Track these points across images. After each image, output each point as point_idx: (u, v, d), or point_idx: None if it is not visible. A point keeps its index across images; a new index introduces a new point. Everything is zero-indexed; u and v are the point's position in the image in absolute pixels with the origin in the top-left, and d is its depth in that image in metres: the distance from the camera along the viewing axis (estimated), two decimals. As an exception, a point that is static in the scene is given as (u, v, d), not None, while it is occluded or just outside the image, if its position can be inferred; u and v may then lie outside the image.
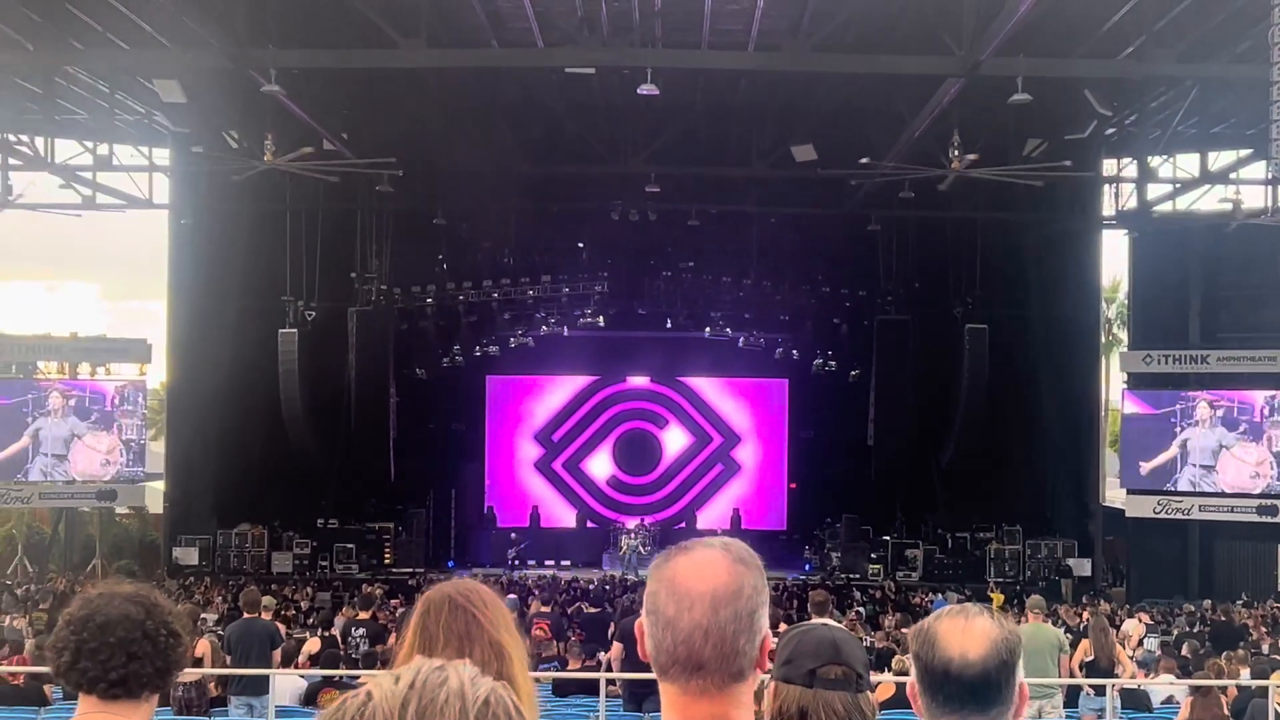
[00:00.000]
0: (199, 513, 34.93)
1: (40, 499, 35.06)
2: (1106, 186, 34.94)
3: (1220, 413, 32.98)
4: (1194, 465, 33.03)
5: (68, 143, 31.79)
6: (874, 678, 13.60)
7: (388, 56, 22.69)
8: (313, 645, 16.20)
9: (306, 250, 31.82)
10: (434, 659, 1.70)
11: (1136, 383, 34.59)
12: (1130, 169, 34.59)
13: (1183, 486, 33.04)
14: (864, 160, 25.63)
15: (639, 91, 22.04)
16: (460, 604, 3.31)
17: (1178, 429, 33.25)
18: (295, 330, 31.59)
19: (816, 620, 3.95)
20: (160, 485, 36.66)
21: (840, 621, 21.20)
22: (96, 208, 33.60)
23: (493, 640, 3.27)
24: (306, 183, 28.85)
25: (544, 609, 22.64)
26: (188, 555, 34.16)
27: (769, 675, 3.62)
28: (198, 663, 14.44)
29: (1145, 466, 33.51)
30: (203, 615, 21.87)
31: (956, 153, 24.49)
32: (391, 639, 15.82)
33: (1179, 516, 33.15)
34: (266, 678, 13.90)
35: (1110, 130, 30.44)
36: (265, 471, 34.93)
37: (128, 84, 28.53)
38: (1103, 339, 41.03)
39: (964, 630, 2.99)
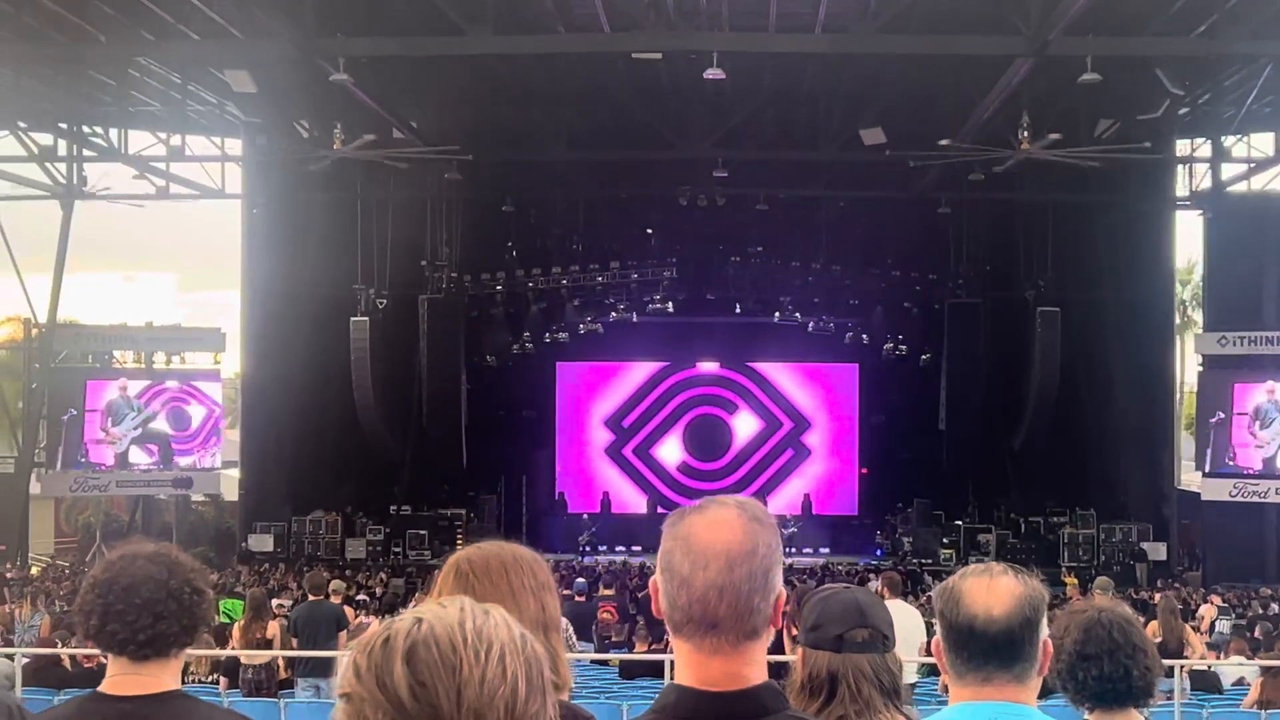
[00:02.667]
0: (273, 500, 35.23)
1: (117, 487, 35.51)
2: (1180, 167, 34.55)
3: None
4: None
5: (141, 134, 32.18)
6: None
7: (455, 44, 22.78)
8: (373, 629, 16.31)
9: (377, 238, 32.04)
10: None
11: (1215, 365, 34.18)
12: (1204, 149, 34.18)
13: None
14: (943, 142, 25.42)
15: (706, 76, 22.04)
16: (464, 571, 3.32)
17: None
18: (367, 318, 31.79)
19: (839, 585, 3.94)
20: (236, 473, 37.05)
21: (914, 605, 21.13)
22: (170, 198, 34.03)
23: (516, 601, 3.29)
24: (376, 171, 29.06)
25: (607, 592, 22.75)
26: (263, 542, 34.46)
27: (796, 641, 3.64)
28: (268, 645, 14.62)
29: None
30: (277, 600, 22.07)
31: (1026, 134, 24.31)
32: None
33: (1255, 500, 32.74)
34: (333, 660, 14.03)
35: (1183, 110, 30.08)
36: (338, 459, 35.21)
37: (199, 75, 28.80)
38: (1177, 320, 40.59)
39: (988, 588, 3.00)
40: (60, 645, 15.46)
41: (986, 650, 2.96)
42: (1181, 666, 14.12)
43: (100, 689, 3.59)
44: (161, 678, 3.56)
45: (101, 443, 34.30)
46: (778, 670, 2.76)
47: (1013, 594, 2.97)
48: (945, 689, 11.21)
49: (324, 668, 14.15)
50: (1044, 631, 3.03)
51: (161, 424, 34.83)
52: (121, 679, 3.56)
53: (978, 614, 2.96)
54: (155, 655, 3.54)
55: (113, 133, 31.18)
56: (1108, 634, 3.89)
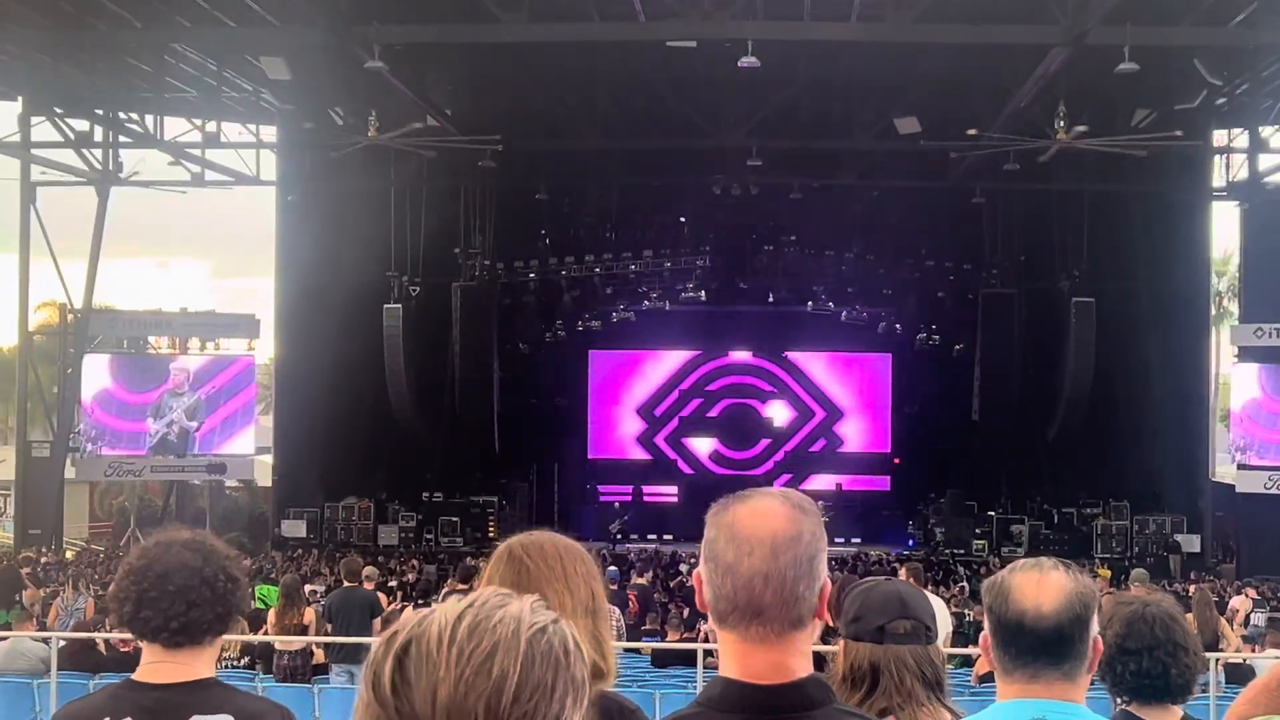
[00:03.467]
0: (306, 486, 35.34)
1: (152, 472, 35.67)
2: (1217, 157, 34.32)
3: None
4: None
5: (176, 120, 32.26)
6: (974, 650, 13.54)
7: (489, 31, 22.78)
8: (408, 615, 16.37)
9: (411, 226, 32.07)
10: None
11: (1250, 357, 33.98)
12: (1241, 139, 33.97)
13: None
14: (971, 132, 25.35)
15: (740, 65, 21.98)
16: (518, 555, 3.33)
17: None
18: (400, 305, 31.85)
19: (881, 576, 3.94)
20: (269, 459, 37.18)
21: (945, 596, 21.10)
22: (205, 184, 34.12)
23: (542, 594, 3.29)
24: (410, 159, 29.07)
25: (640, 580, 22.78)
26: (295, 528, 34.57)
27: (838, 633, 3.63)
28: (303, 631, 14.67)
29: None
30: (310, 586, 22.15)
31: (1062, 124, 24.18)
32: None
33: (1291, 492, 32.57)
34: (367, 646, 14.06)
35: (1221, 100, 29.92)
36: (371, 445, 35.29)
37: (235, 61, 28.86)
38: (1212, 311, 40.34)
39: (1038, 583, 2.97)
40: (97, 629, 15.54)
41: (1035, 647, 2.94)
42: (1217, 660, 14.05)
43: (134, 676, 3.60)
44: (195, 665, 3.57)
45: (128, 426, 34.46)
46: (818, 662, 2.74)
47: (1063, 590, 2.94)
48: (979, 680, 11.14)
49: (358, 654, 14.18)
50: (1094, 628, 3.00)
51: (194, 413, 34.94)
52: (155, 666, 3.56)
53: (1027, 610, 2.94)
54: (189, 642, 3.55)
55: (148, 119, 31.26)
56: (1150, 630, 3.88)
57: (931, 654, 3.52)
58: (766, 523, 2.50)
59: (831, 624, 2.57)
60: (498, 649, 1.62)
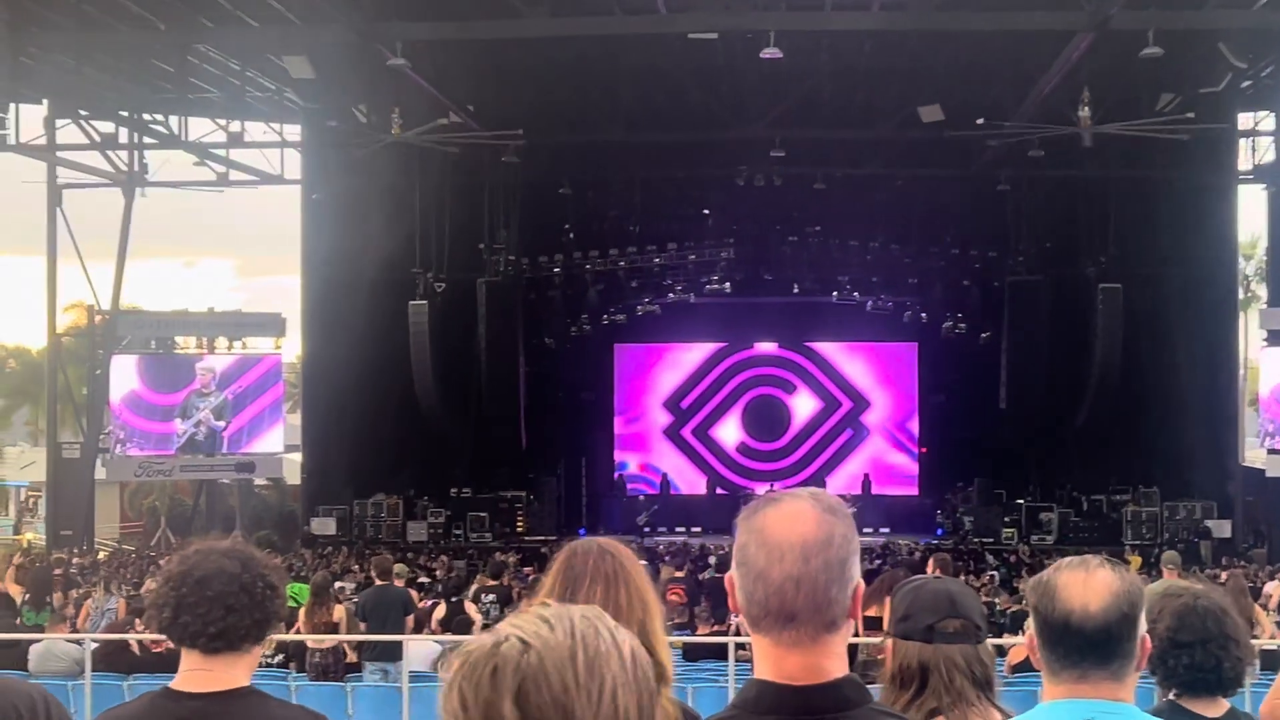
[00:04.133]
0: (335, 484, 35.44)
1: (181, 471, 35.80)
2: (1242, 140, 34.17)
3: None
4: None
5: (201, 121, 32.37)
6: (1008, 640, 13.50)
7: (511, 27, 22.82)
8: (439, 611, 16.43)
9: (435, 222, 32.09)
10: (566, 603, 1.73)
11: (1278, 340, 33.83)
12: (1267, 122, 33.81)
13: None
14: (979, 121, 25.24)
15: (762, 55, 21.95)
16: (609, 549, 3.36)
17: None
18: (425, 302, 31.87)
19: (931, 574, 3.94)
20: (297, 457, 37.30)
21: (975, 585, 21.05)
22: (230, 184, 34.23)
23: (638, 589, 3.32)
24: (434, 155, 29.09)
25: (678, 574, 22.66)
26: (325, 526, 34.67)
27: (886, 634, 3.62)
28: (334, 629, 14.71)
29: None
30: (340, 584, 22.20)
31: (1087, 109, 24.09)
32: (523, 604, 15.94)
33: (1322, 476, 32.43)
34: (400, 644, 14.10)
35: (1246, 83, 29.76)
36: (399, 442, 35.35)
37: (258, 61, 28.95)
38: (1240, 295, 40.19)
39: (1085, 582, 2.95)
40: (129, 630, 15.59)
41: (1083, 647, 2.92)
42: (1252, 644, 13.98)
43: (171, 685, 3.61)
44: (233, 673, 3.57)
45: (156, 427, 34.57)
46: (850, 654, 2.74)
47: (1110, 589, 2.92)
48: (1011, 670, 11.10)
49: (392, 652, 14.22)
50: (1142, 627, 2.98)
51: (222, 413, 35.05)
52: (192, 675, 3.57)
53: (1074, 609, 2.91)
54: (227, 649, 3.55)
55: (173, 120, 31.41)
56: (1202, 623, 3.86)
57: (981, 653, 3.51)
58: (796, 527, 2.50)
59: (858, 624, 2.57)
60: (619, 687, 1.64)
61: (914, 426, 41.10)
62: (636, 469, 40.82)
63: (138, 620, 15.32)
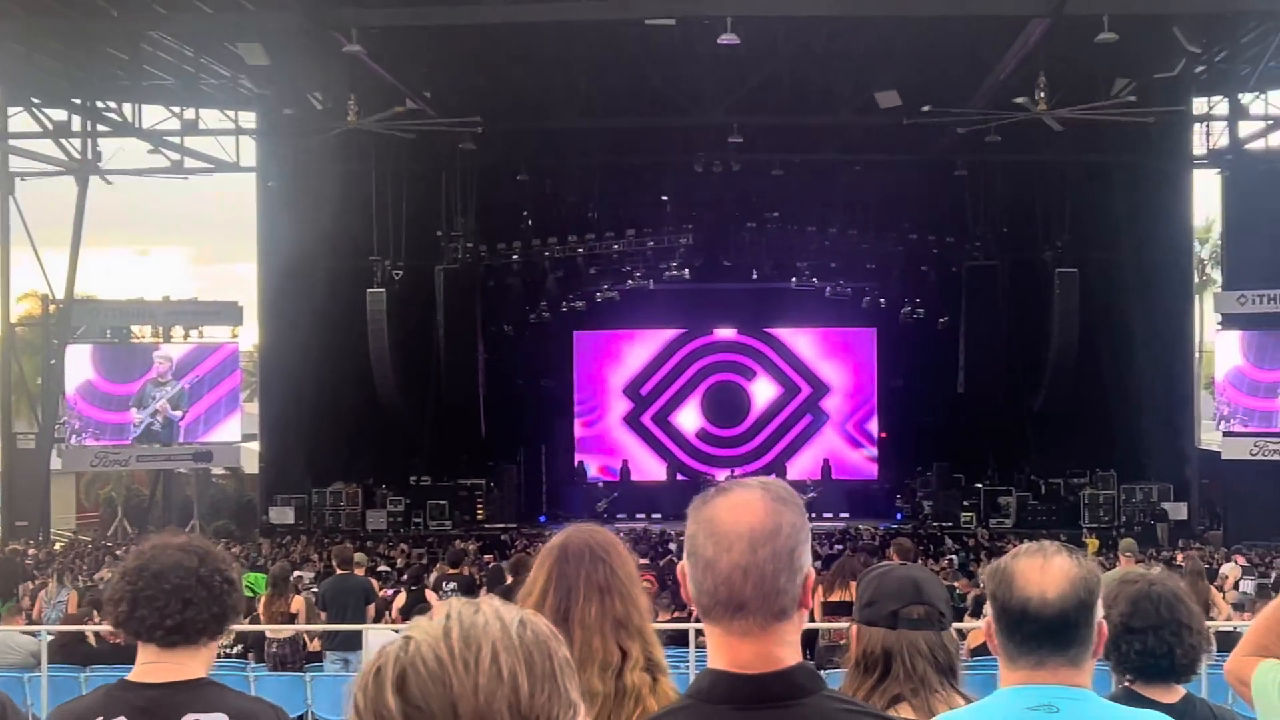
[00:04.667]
0: (293, 472, 35.33)
1: (138, 461, 35.57)
2: (1197, 125, 34.33)
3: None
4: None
5: (155, 108, 32.10)
6: (968, 624, 13.55)
7: (468, 13, 22.74)
8: (400, 600, 16.42)
9: (392, 210, 31.97)
10: (562, 618, 1.73)
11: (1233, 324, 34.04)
12: (1221, 107, 33.96)
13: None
14: (925, 109, 25.28)
15: (719, 42, 21.94)
16: (600, 555, 3.32)
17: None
18: (383, 290, 31.75)
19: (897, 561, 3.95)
20: (255, 446, 37.13)
21: (934, 569, 21.12)
22: (184, 172, 33.98)
23: (628, 593, 3.29)
24: (390, 142, 28.96)
25: (644, 561, 22.65)
26: (283, 515, 34.55)
27: (852, 620, 3.62)
28: (293, 619, 14.65)
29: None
30: (299, 573, 22.09)
31: (1043, 95, 24.17)
32: (482, 591, 15.90)
33: (1276, 458, 32.66)
34: (360, 633, 14.06)
35: (1200, 68, 29.90)
36: (358, 430, 35.26)
37: (212, 48, 28.73)
38: (1196, 280, 40.43)
39: (1042, 569, 2.95)
40: (87, 621, 15.49)
41: (1040, 634, 2.92)
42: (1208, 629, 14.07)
43: (128, 677, 3.59)
44: (190, 665, 3.57)
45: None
46: (808, 639, 2.73)
47: (1067, 575, 2.92)
48: (970, 654, 11.12)
49: (352, 641, 14.19)
50: (1099, 613, 2.98)
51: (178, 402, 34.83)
52: (150, 667, 3.56)
53: (1031, 596, 2.92)
54: (184, 642, 3.54)
55: (126, 108, 31.12)
56: (1155, 609, 3.88)
57: (945, 640, 3.52)
58: (744, 517, 2.50)
59: (811, 611, 2.58)
60: (498, 650, 1.62)
61: (873, 411, 41.22)
62: (596, 471, 40.81)
63: (96, 612, 15.21)
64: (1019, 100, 24.61)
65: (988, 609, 3.07)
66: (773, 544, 2.47)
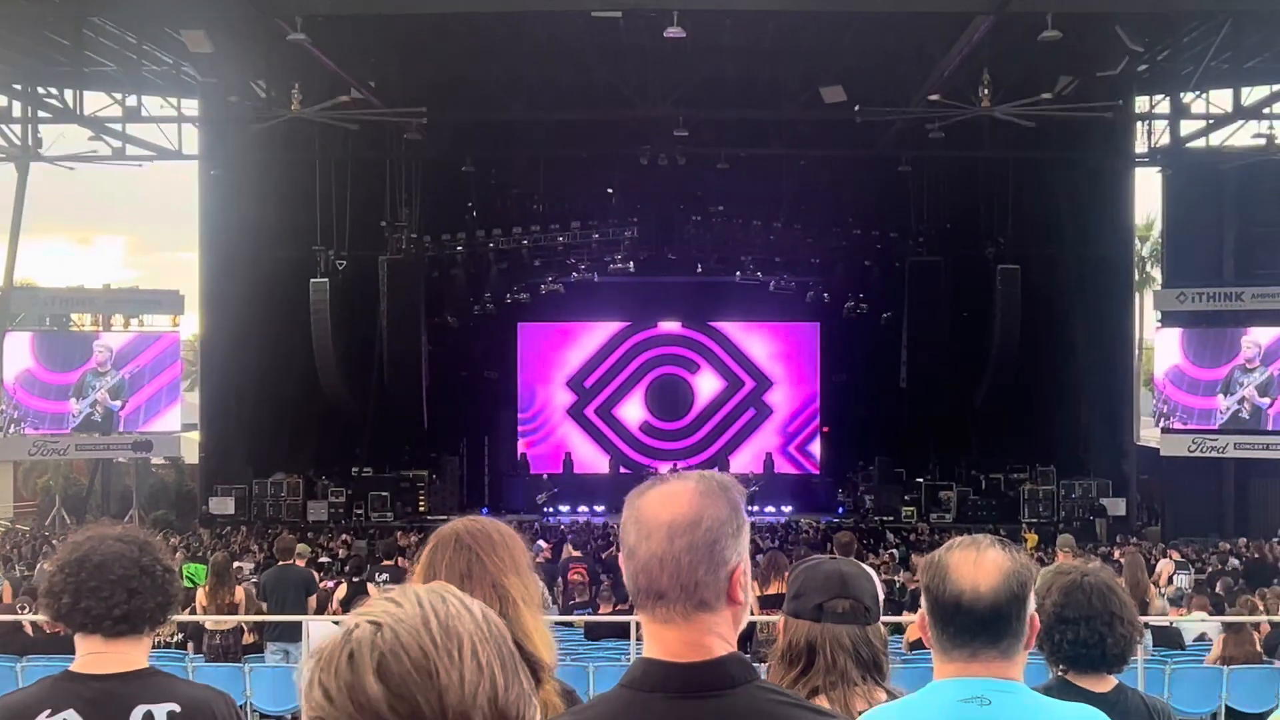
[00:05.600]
0: (234, 463, 35.14)
1: (77, 450, 35.27)
2: (1139, 124, 34.57)
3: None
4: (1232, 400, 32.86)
5: (96, 95, 31.76)
6: (907, 618, 13.63)
7: (414, 2, 22.65)
8: (341, 591, 16.39)
9: (336, 199, 31.85)
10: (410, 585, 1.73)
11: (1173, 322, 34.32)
12: (1163, 105, 34.20)
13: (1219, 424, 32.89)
14: (857, 107, 25.39)
15: (666, 35, 21.94)
16: (466, 543, 3.30)
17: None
18: (326, 280, 31.64)
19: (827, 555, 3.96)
20: (196, 435, 36.89)
21: (874, 563, 21.22)
22: (126, 159, 33.63)
23: (496, 582, 3.26)
24: (335, 132, 28.84)
25: (576, 554, 22.68)
26: (224, 505, 34.37)
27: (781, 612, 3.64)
28: (234, 610, 14.57)
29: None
30: (239, 564, 21.98)
31: (987, 91, 24.31)
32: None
33: (1214, 455, 32.99)
34: (301, 624, 13.99)
35: (1142, 67, 30.11)
36: (299, 421, 35.12)
37: (155, 34, 28.46)
38: (1136, 277, 40.77)
39: (975, 563, 2.97)
40: (22, 611, 15.35)
41: (973, 626, 2.94)
42: (1144, 622, 14.20)
43: (72, 668, 3.58)
44: (134, 655, 3.56)
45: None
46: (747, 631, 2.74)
47: (1000, 569, 2.95)
48: (909, 648, 11.19)
49: (293, 632, 14.12)
50: (1031, 606, 3.01)
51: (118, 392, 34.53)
52: (94, 657, 3.54)
53: (964, 589, 2.94)
54: (130, 632, 3.54)
55: (68, 94, 30.78)
56: (1087, 600, 3.92)
57: (870, 635, 3.53)
58: (668, 506, 2.53)
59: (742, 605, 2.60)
60: (477, 644, 1.63)
61: (816, 406, 41.33)
62: (538, 463, 40.72)
63: (31, 602, 15.07)
64: (953, 103, 24.76)
65: (922, 601, 3.09)
66: (691, 535, 2.49)
